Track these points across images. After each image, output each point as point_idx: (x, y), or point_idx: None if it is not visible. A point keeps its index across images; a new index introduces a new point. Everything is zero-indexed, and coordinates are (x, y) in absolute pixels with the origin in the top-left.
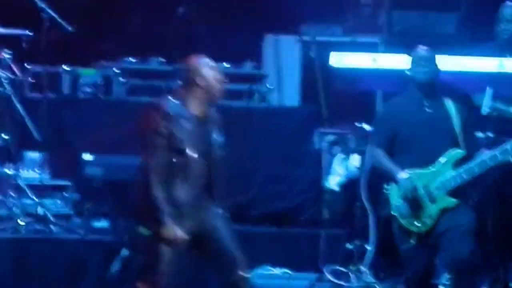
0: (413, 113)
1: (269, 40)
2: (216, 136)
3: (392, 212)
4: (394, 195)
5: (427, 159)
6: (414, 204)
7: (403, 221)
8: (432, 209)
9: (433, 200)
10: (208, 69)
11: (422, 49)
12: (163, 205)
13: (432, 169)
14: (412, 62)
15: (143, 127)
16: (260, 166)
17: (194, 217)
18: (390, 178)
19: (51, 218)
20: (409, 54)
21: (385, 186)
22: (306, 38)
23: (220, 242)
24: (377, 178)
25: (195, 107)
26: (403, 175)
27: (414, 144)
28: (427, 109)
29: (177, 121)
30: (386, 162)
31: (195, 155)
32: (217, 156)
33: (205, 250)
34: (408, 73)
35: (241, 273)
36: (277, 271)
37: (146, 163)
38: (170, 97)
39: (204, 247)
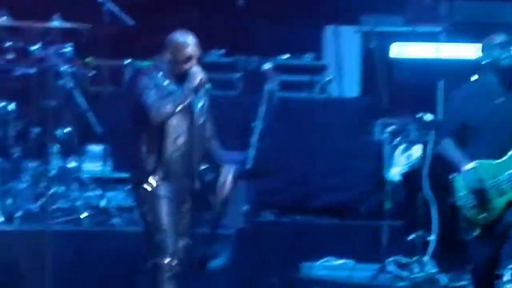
0: (484, 102)
1: (329, 31)
2: (198, 102)
3: (457, 203)
4: (459, 186)
5: (497, 151)
6: (480, 195)
7: (467, 212)
8: (499, 201)
9: (501, 192)
10: (180, 38)
11: (499, 35)
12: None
13: (501, 161)
14: (489, 48)
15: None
16: (321, 157)
17: (179, 178)
18: (456, 168)
19: (113, 211)
20: (479, 42)
21: (450, 176)
22: (366, 28)
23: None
24: (440, 168)
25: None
26: (469, 166)
27: (483, 134)
28: (499, 99)
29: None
30: (453, 152)
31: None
32: (199, 123)
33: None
34: (482, 60)
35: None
36: (339, 262)
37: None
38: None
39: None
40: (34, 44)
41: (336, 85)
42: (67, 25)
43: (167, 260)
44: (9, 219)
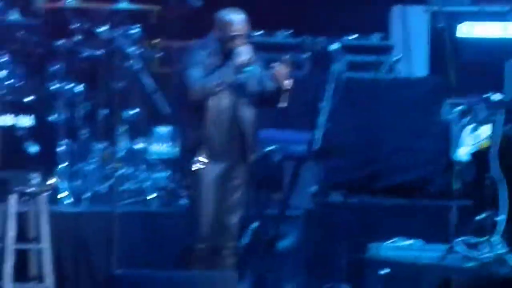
0: None
1: (396, 10)
2: (242, 81)
3: None
4: None
5: None
6: None
7: None
8: None
9: None
10: (227, 15)
11: None
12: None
13: None
14: None
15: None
16: (388, 137)
17: (225, 156)
18: None
19: (181, 192)
20: None
21: None
22: (434, 8)
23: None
24: (509, 147)
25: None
26: None
27: None
28: None
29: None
30: None
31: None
32: (242, 103)
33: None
34: None
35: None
36: (407, 243)
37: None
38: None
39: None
40: (102, 26)
41: (404, 65)
42: (135, 6)
43: (199, 245)
44: (77, 200)
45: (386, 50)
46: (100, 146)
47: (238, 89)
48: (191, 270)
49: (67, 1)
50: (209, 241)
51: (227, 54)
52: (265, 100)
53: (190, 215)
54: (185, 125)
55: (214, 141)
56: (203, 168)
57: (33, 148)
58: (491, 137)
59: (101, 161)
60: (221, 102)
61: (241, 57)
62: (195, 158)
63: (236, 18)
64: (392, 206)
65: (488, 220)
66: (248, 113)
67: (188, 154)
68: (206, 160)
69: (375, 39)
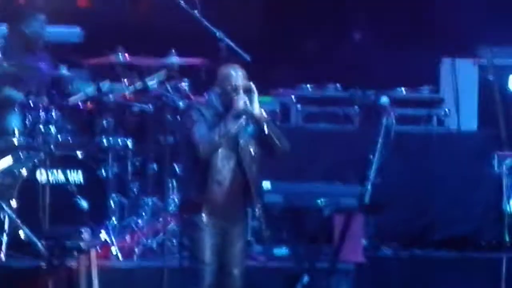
0: None
1: (446, 63)
2: (247, 132)
3: None
4: None
5: None
6: None
7: None
8: None
9: None
10: (225, 69)
11: None
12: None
13: None
14: None
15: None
16: (440, 190)
17: (225, 217)
18: None
19: None
20: None
21: None
22: (483, 61)
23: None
24: None
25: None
26: None
27: None
28: None
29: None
30: None
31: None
32: (248, 155)
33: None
34: None
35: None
36: None
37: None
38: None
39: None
40: (151, 80)
41: (454, 118)
42: (184, 61)
43: None
44: (128, 255)
45: (436, 103)
46: (150, 200)
47: (241, 140)
48: None
49: (117, 56)
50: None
51: (227, 107)
52: (264, 138)
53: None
54: (189, 182)
55: (216, 199)
56: (202, 221)
57: (83, 203)
58: None
59: (151, 216)
60: (224, 162)
61: (238, 104)
62: (197, 211)
63: (234, 72)
64: (443, 259)
65: None
66: (252, 170)
67: (190, 206)
68: (205, 215)
69: (425, 92)
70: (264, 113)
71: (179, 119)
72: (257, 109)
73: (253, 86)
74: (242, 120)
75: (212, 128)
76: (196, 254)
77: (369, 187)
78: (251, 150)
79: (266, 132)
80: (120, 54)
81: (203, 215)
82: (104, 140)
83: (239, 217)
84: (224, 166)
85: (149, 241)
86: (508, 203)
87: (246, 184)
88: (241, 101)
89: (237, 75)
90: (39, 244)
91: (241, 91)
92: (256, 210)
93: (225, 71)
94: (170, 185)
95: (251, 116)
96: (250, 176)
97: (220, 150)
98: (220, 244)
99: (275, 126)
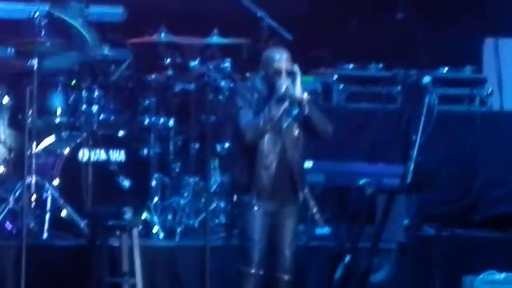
0: None
1: (489, 43)
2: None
3: None
4: None
5: None
6: None
7: None
8: None
9: None
10: (269, 53)
11: None
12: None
13: None
14: None
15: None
16: (482, 170)
17: (274, 200)
18: None
19: None
20: None
21: None
22: None
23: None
24: None
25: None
26: None
27: None
28: None
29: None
30: None
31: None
32: (291, 138)
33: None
34: None
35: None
36: (502, 276)
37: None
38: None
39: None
40: (193, 60)
41: (496, 97)
42: (226, 40)
43: (252, 270)
44: (170, 234)
45: (478, 82)
46: (192, 180)
47: (284, 125)
48: None
49: (160, 36)
50: (260, 268)
51: (272, 91)
52: (308, 122)
53: (241, 241)
54: (237, 165)
55: (264, 183)
56: (251, 204)
57: (125, 183)
58: None
59: (194, 195)
60: (270, 146)
61: (280, 89)
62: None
63: (278, 55)
64: (485, 239)
65: None
66: (296, 154)
67: (239, 190)
68: (254, 198)
69: (467, 72)
70: (306, 96)
71: (222, 99)
72: (298, 92)
73: (296, 68)
74: (286, 104)
75: (257, 114)
76: (246, 232)
77: (411, 167)
78: (295, 133)
79: (306, 112)
80: (162, 33)
81: (253, 196)
82: (146, 120)
83: (288, 200)
84: (270, 151)
85: (191, 220)
86: None
87: (292, 168)
88: (284, 85)
89: (281, 58)
90: (81, 223)
91: (284, 75)
92: (302, 193)
93: (269, 54)
94: (212, 164)
95: (292, 99)
96: (293, 160)
97: (266, 135)
98: (271, 226)
99: (317, 110)
